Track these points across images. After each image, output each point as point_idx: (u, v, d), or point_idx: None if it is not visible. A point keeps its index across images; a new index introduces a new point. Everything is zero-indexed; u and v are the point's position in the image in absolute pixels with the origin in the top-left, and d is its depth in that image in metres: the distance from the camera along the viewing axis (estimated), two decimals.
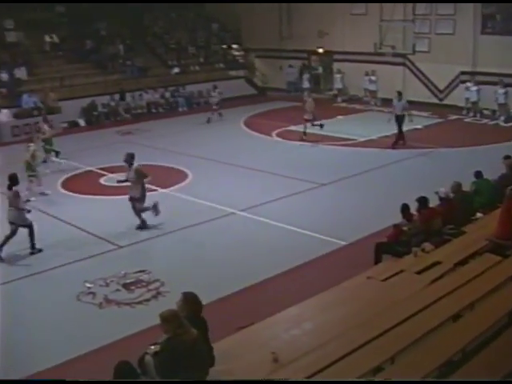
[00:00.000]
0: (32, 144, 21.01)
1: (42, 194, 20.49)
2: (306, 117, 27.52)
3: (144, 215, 17.38)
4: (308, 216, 17.88)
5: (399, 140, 25.80)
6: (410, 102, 27.40)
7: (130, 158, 17.43)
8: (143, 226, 17.38)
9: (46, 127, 24.38)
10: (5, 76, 33.88)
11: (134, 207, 17.47)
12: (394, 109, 26.22)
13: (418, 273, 11.54)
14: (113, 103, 35.32)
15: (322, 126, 27.69)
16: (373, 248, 13.28)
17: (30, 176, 20.45)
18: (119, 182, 18.16)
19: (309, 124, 27.36)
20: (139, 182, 17.26)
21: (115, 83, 36.39)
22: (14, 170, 23.60)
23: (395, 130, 25.80)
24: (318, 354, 8.72)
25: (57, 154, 24.31)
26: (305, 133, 27.24)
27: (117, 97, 35.58)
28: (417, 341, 8.86)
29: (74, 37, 38.96)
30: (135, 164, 17.42)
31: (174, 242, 16.54)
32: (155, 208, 17.41)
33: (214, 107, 32.26)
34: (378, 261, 13.10)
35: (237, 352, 9.12)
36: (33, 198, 17.66)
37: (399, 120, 25.78)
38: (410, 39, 34.69)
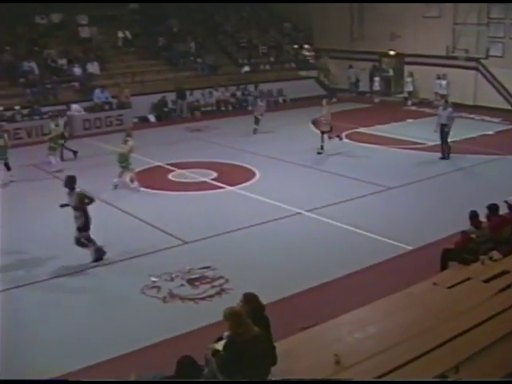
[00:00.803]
0: (130, 138, 21.28)
1: (120, 185, 21.19)
2: (321, 128, 25.43)
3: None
4: (374, 219, 17.74)
5: (445, 153, 24.17)
6: (481, 108, 26.87)
7: (69, 182, 15.22)
8: (97, 256, 15.26)
9: (52, 126, 24.52)
10: (78, 70, 34.54)
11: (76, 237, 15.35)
12: (439, 118, 24.34)
13: (485, 281, 11.36)
14: (180, 100, 35.66)
15: (340, 138, 26.02)
16: (439, 254, 13.11)
17: (122, 167, 21.06)
18: (62, 206, 15.55)
19: (326, 137, 25.39)
20: (81, 208, 15.07)
21: (185, 80, 36.73)
22: (89, 161, 24.68)
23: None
24: (380, 359, 8.67)
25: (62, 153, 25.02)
26: (322, 147, 25.12)
27: (172, 96, 35.76)
28: (482, 350, 8.73)
29: (146, 33, 39.49)
30: (77, 188, 15.17)
31: (239, 240, 16.56)
32: (97, 252, 15.26)
33: (259, 117, 29.39)
34: (444, 267, 12.92)
35: (299, 352, 9.12)
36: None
37: (444, 130, 23.94)
38: (483, 43, 34.19)
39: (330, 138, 25.43)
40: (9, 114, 30.10)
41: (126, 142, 21.15)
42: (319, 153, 24.86)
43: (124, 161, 20.99)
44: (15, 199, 20.18)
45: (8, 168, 22.93)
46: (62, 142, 25.01)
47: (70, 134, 26.36)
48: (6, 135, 23.94)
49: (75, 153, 25.78)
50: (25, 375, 10.33)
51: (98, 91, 33.25)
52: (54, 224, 17.46)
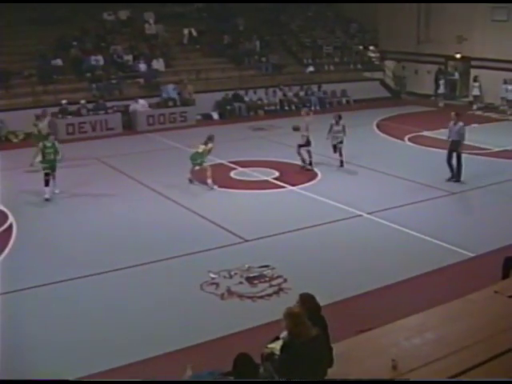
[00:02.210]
0: (211, 142, 21.55)
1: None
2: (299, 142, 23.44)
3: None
4: (436, 224, 17.53)
5: (455, 177, 21.53)
6: None
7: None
8: None
9: (40, 124, 24.22)
10: (143, 66, 35.02)
11: None
12: (449, 133, 21.60)
13: None
14: (247, 98, 35.81)
15: (310, 164, 23.32)
16: (501, 262, 12.91)
17: (195, 165, 21.43)
18: None
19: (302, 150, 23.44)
20: None
21: (250, 79, 36.87)
22: (150, 156, 24.99)
23: None
24: (438, 366, 8.58)
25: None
26: (303, 161, 23.44)
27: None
28: None
29: (212, 31, 39.84)
30: None
31: (299, 240, 16.53)
32: None
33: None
34: (505, 276, 12.69)
35: (355, 355, 9.08)
36: None
37: (453, 148, 21.29)
38: None
39: (299, 153, 23.48)
40: (74, 107, 30.65)
41: (206, 143, 21.46)
42: (307, 169, 23.25)
43: (197, 159, 21.35)
44: (75, 191, 20.61)
45: None
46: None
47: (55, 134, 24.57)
48: (41, 124, 24.09)
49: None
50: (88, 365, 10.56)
51: (170, 87, 33.58)
52: (106, 216, 17.76)
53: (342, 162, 23.42)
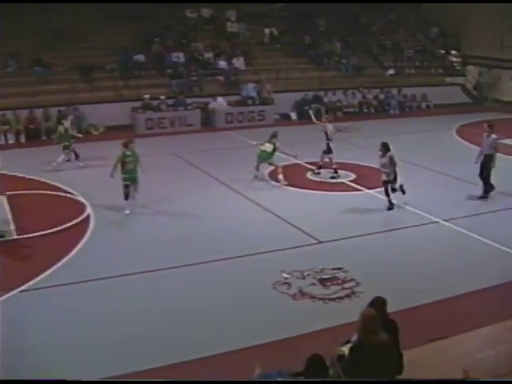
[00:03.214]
0: (275, 139, 22.03)
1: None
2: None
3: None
4: None
5: (486, 193, 20.18)
6: None
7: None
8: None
9: (66, 123, 24.03)
10: (223, 64, 35.32)
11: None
12: (482, 146, 20.26)
13: None
14: (326, 99, 35.75)
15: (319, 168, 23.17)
16: None
17: (269, 164, 22.10)
18: None
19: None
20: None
21: (329, 80, 36.79)
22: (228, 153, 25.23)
23: None
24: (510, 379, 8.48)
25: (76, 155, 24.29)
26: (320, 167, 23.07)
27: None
28: None
29: (292, 31, 39.90)
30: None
31: (374, 244, 16.46)
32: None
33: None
34: None
35: (426, 364, 9.04)
36: None
37: (485, 162, 19.98)
38: None
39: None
40: (155, 103, 31.14)
41: (270, 141, 21.82)
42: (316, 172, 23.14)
43: (267, 158, 21.78)
44: (151, 185, 20.95)
45: (76, 155, 23.95)
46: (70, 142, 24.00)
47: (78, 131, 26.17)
48: (67, 122, 24.11)
49: (77, 155, 24.46)
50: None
51: (250, 86, 33.79)
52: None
53: (390, 203, 19.12)
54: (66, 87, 31.06)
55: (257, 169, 22.03)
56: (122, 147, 18.56)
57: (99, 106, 30.44)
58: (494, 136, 19.95)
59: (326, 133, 22.68)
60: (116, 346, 11.41)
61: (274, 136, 21.97)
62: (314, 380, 7.65)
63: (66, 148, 23.52)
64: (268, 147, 21.75)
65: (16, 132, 29.07)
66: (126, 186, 18.37)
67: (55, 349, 11.29)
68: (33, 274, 14.13)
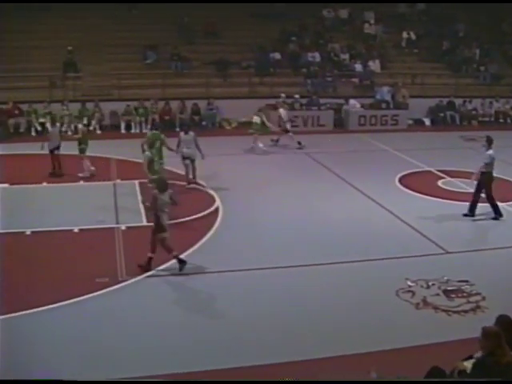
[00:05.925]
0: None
1: None
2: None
3: None
4: None
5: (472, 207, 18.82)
6: None
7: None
8: None
9: (80, 126, 23.44)
10: (358, 66, 35.20)
11: None
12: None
13: None
14: (463, 108, 34.94)
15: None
16: None
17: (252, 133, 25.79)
18: None
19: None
20: None
21: (466, 88, 35.97)
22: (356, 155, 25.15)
23: None
24: None
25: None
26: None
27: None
28: None
29: (431, 35, 39.17)
30: None
31: (504, 258, 15.94)
32: None
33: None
34: None
35: None
36: None
37: (481, 180, 18.68)
38: None
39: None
40: (288, 101, 31.36)
41: (257, 114, 25.87)
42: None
43: (259, 129, 25.75)
44: (280, 181, 21.12)
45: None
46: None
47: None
48: (81, 125, 23.62)
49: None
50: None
51: (384, 89, 33.59)
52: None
53: None
54: (201, 81, 31.88)
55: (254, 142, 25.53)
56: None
57: (233, 101, 30.96)
58: (490, 152, 18.52)
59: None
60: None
61: (259, 110, 26.07)
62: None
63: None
64: (256, 119, 25.60)
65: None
66: None
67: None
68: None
